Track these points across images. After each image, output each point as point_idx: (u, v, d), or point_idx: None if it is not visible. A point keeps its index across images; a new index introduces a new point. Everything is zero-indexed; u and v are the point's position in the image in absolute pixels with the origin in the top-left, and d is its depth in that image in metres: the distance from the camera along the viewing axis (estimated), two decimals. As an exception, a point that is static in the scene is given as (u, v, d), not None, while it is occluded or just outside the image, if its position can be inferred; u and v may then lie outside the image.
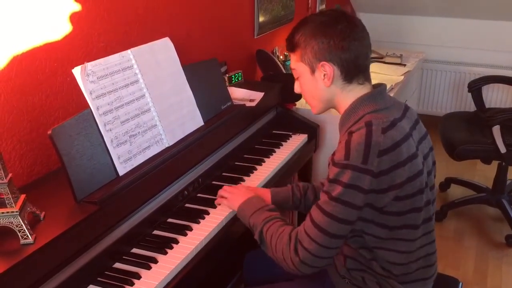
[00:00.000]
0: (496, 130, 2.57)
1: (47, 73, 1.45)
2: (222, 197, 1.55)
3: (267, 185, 1.76)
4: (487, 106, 3.19)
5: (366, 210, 1.16)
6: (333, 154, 1.19)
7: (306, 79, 1.31)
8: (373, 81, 1.34)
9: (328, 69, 1.25)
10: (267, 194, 1.56)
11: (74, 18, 1.50)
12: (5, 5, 1.29)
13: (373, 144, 1.13)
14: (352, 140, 1.15)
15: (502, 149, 2.61)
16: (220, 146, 1.80)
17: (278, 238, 1.26)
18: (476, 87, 3.08)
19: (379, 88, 1.28)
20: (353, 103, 1.26)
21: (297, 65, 1.32)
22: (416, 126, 1.28)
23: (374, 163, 1.12)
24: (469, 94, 3.14)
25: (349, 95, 1.27)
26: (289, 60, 2.81)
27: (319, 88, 1.29)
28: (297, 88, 1.39)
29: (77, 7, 1.50)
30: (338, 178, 1.14)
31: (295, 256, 1.21)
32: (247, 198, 1.45)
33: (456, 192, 3.25)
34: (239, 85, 2.24)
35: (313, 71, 1.28)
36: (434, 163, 1.35)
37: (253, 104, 2.03)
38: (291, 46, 1.32)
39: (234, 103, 1.95)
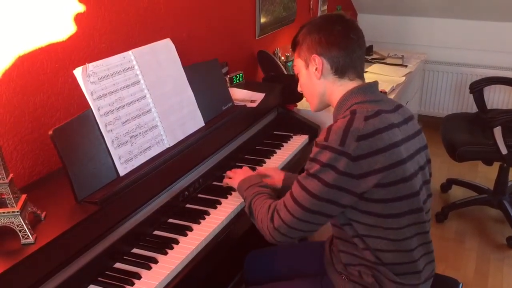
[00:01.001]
0: (498, 131, 2.57)
1: (48, 73, 1.46)
2: (228, 177, 1.67)
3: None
4: (488, 107, 3.18)
5: (347, 196, 1.20)
6: (317, 136, 1.27)
7: (302, 74, 1.42)
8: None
9: (318, 61, 1.33)
10: (280, 176, 1.67)
11: (76, 19, 1.51)
12: (7, 6, 1.30)
13: (352, 129, 1.19)
14: (335, 124, 1.23)
15: (504, 150, 2.61)
16: (221, 146, 1.81)
17: (261, 208, 1.38)
18: (477, 88, 3.07)
19: (371, 82, 1.35)
20: (344, 95, 1.33)
21: (296, 61, 1.43)
22: (408, 122, 1.31)
23: (351, 146, 1.17)
24: (471, 95, 3.14)
25: (339, 89, 1.35)
26: (291, 61, 2.83)
27: (313, 82, 1.38)
28: (298, 86, 1.48)
29: (79, 8, 1.51)
30: (317, 158, 1.22)
31: (270, 223, 1.32)
32: (247, 176, 1.58)
33: (457, 193, 3.25)
34: (240, 86, 2.24)
35: (307, 65, 1.38)
36: (429, 160, 1.37)
37: (254, 105, 2.03)
38: (293, 44, 1.43)
39: (235, 104, 1.96)
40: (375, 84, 1.35)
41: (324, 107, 1.44)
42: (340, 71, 1.33)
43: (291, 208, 1.27)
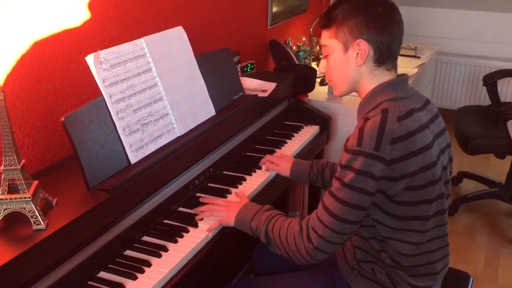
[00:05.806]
0: (511, 124, 2.53)
1: (60, 60, 1.45)
2: (205, 212, 1.46)
3: (277, 177, 1.76)
4: (502, 100, 3.15)
5: (378, 196, 1.16)
6: (347, 139, 1.19)
7: (337, 57, 1.28)
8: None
9: (363, 47, 1.22)
10: (289, 164, 1.67)
11: (89, 5, 1.50)
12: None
13: (386, 131, 1.12)
14: (366, 126, 1.14)
15: (517, 144, 2.58)
16: (231, 136, 1.80)
17: (288, 230, 1.26)
18: (491, 80, 3.04)
19: (401, 77, 1.27)
20: (374, 89, 1.25)
21: (330, 41, 1.28)
22: (435, 120, 1.27)
23: (387, 150, 1.11)
24: (484, 87, 3.10)
25: (374, 79, 1.26)
26: (302, 51, 2.81)
27: (349, 67, 1.27)
28: (322, 68, 1.35)
29: (91, -5, 1.50)
30: (350, 165, 1.14)
31: (308, 243, 1.21)
32: (240, 206, 1.41)
33: (469, 186, 3.22)
34: (252, 75, 2.23)
35: (346, 49, 1.25)
36: (451, 159, 1.34)
37: (265, 94, 2.02)
38: (327, 21, 1.28)
39: (246, 94, 1.94)
40: (405, 78, 1.28)
41: (349, 93, 1.33)
42: (381, 60, 1.24)
43: (328, 222, 1.18)
